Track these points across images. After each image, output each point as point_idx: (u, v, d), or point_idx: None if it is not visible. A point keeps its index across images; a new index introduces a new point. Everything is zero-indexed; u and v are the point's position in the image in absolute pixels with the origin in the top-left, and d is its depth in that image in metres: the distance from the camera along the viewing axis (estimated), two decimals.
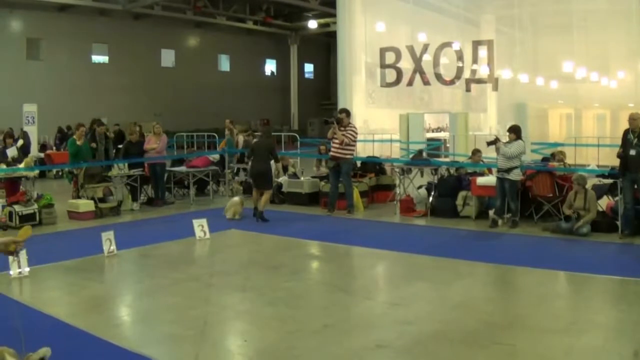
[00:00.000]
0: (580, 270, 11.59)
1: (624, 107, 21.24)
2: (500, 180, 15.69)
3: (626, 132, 14.41)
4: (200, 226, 14.40)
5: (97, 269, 12.01)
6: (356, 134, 17.85)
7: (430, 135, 26.33)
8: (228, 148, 22.61)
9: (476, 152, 18.79)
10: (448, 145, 25.77)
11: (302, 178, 20.26)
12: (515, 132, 15.88)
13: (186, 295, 10.04)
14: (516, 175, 15.66)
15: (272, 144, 17.25)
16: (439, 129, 27.18)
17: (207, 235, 14.33)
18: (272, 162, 17.49)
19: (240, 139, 22.76)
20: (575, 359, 7.40)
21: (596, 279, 11.17)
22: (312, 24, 52.88)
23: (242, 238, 15.08)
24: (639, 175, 14.11)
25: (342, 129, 17.24)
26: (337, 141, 17.22)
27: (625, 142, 14.31)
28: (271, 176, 17.52)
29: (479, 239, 14.72)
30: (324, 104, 58.97)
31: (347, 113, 17.89)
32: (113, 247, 12.77)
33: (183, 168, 20.67)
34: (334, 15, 32.92)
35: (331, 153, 17.53)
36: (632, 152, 14.13)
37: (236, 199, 17.78)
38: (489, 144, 16.07)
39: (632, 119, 14.47)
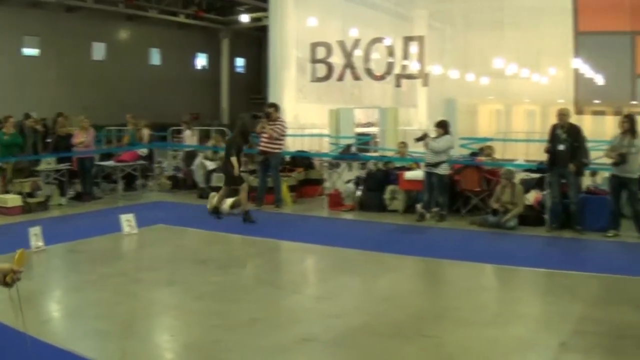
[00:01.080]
0: (507, 263, 11.70)
1: (554, 103, 21.49)
2: (428, 174, 15.78)
3: (554, 128, 14.59)
4: (127, 221, 14.24)
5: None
6: (285, 128, 17.81)
7: (360, 130, 26.41)
8: (132, 142, 22.16)
9: (401, 143, 18.95)
10: (378, 140, 25.88)
11: None
12: (443, 127, 16.00)
13: (113, 290, 9.87)
14: (444, 170, 15.78)
15: (234, 139, 16.56)
16: (369, 124, 27.28)
17: (135, 230, 14.16)
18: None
19: (145, 132, 22.32)
20: (501, 350, 7.44)
21: (523, 271, 11.31)
22: (244, 18, 52.60)
23: (170, 233, 14.91)
24: (567, 169, 14.31)
25: (271, 123, 17.20)
26: (265, 135, 17.17)
27: (554, 137, 14.49)
28: (233, 172, 16.20)
29: (406, 233, 14.76)
30: (254, 99, 58.65)
31: (276, 107, 17.84)
32: (41, 242, 12.52)
33: (111, 162, 20.36)
34: (266, 10, 32.81)
35: (260, 147, 17.45)
36: (561, 147, 14.32)
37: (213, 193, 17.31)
38: (418, 140, 16.16)
39: (561, 114, 14.67)
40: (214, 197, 16.71)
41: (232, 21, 56.58)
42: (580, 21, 24.90)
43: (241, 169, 16.43)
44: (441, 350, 7.39)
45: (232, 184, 16.20)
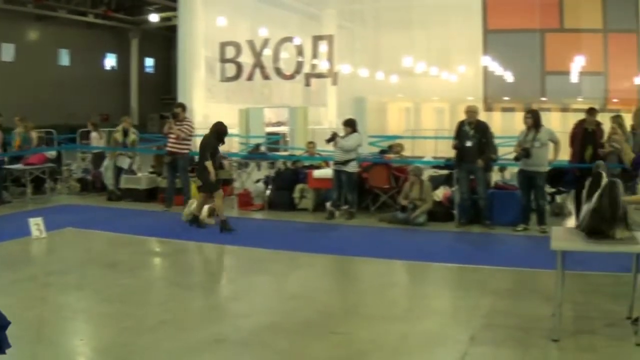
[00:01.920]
0: (417, 258, 11.82)
1: (463, 100, 21.71)
2: (337, 172, 15.84)
3: (461, 124, 14.78)
4: (36, 225, 13.94)
5: None
6: (192, 128, 17.64)
7: (270, 129, 26.40)
8: (23, 145, 21.59)
9: (310, 143, 19.04)
10: (288, 139, 25.92)
11: (139, 174, 19.91)
12: (351, 125, 16.06)
13: (22, 295, 9.62)
14: (353, 168, 15.83)
15: (208, 140, 15.42)
16: (279, 123, 27.27)
17: (44, 234, 13.83)
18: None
19: (34, 135, 21.78)
20: (411, 345, 7.50)
21: (433, 266, 11.43)
22: (154, 18, 52.14)
23: (79, 236, 14.63)
24: (475, 165, 14.50)
25: (178, 123, 17.04)
26: (173, 136, 17.02)
27: (461, 134, 14.67)
28: (208, 177, 14.97)
29: (316, 231, 14.85)
30: (164, 99, 58.14)
31: (183, 107, 17.65)
32: None
33: (20, 166, 19.96)
34: (175, 9, 32.57)
35: (167, 148, 17.27)
36: (469, 144, 14.52)
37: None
38: (328, 141, 16.18)
39: (469, 111, 14.86)
40: (191, 205, 15.58)
41: (142, 21, 56.10)
42: (489, 19, 25.28)
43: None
44: (352, 346, 7.41)
45: (207, 190, 15.11)
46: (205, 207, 15.34)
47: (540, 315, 8.34)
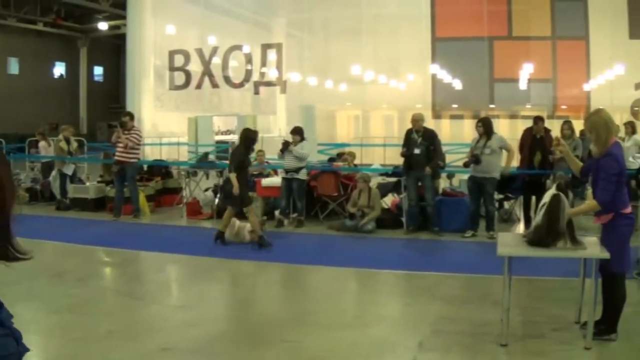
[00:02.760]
0: (366, 266, 11.87)
1: (411, 108, 21.87)
2: (289, 180, 15.88)
3: (409, 132, 14.84)
4: None
5: None
6: (140, 137, 17.50)
7: (219, 137, 26.38)
8: None
9: (260, 152, 19.05)
10: None
11: (87, 183, 19.71)
12: (300, 133, 16.08)
13: None
14: (303, 175, 15.94)
15: (236, 151, 14.33)
16: (228, 132, 27.28)
17: None
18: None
19: None
20: (361, 352, 7.52)
21: (382, 274, 11.49)
22: (103, 26, 51.85)
23: (27, 246, 14.37)
24: (423, 173, 14.57)
25: (126, 132, 16.92)
26: (121, 145, 16.91)
27: (409, 142, 14.74)
28: (242, 192, 13.70)
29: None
30: (113, 108, 57.81)
31: (131, 116, 17.51)
32: None
33: None
34: (124, 18, 32.49)
35: (116, 157, 17.14)
36: (417, 151, 14.59)
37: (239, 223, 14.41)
38: (282, 151, 16.14)
39: (415, 119, 14.95)
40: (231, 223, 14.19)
41: (91, 29, 55.77)
42: (438, 27, 25.49)
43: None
44: (301, 354, 7.42)
45: (237, 205, 13.92)
46: (247, 225, 14.01)
47: (488, 320, 8.39)
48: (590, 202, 7.69)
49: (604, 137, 7.53)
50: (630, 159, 15.09)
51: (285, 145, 15.95)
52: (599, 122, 7.62)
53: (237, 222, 14.03)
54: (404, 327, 8.58)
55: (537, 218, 7.60)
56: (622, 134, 17.12)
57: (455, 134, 23.98)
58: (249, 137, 14.05)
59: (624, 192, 7.61)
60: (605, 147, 7.50)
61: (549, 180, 9.37)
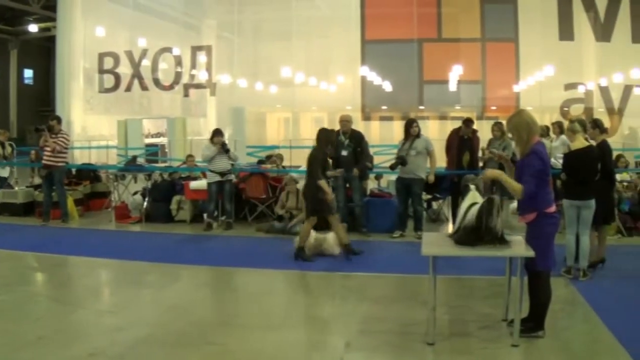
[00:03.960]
0: (294, 267, 11.97)
1: (341, 110, 21.94)
2: (220, 183, 15.84)
3: (336, 134, 14.90)
4: None
5: None
6: (68, 141, 17.35)
7: (149, 140, 26.24)
8: None
9: (189, 157, 19.03)
10: (167, 150, 25.84)
11: (16, 188, 19.45)
12: (222, 135, 16.21)
13: None
14: (232, 177, 16.02)
15: (314, 154, 13.10)
16: (158, 134, 27.15)
17: None
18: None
19: None
20: (287, 353, 7.57)
21: (310, 275, 11.58)
22: (33, 28, 51.15)
23: None
24: (351, 174, 14.71)
25: (54, 136, 16.76)
26: (49, 149, 16.75)
27: (337, 144, 14.75)
28: (315, 199, 12.75)
29: (194, 242, 14.79)
30: (43, 111, 57.02)
31: (58, 120, 17.32)
32: None
33: None
34: (55, 20, 32.05)
35: (43, 161, 16.97)
36: (344, 153, 14.76)
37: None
38: (226, 151, 16.07)
39: (343, 120, 15.09)
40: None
41: (21, 31, 54.97)
42: (368, 30, 25.55)
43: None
44: (228, 357, 7.46)
45: (319, 213, 12.87)
46: (329, 235, 13.06)
47: (416, 319, 8.50)
48: (517, 184, 7.81)
49: (525, 137, 7.69)
50: (553, 159, 15.34)
51: (224, 147, 15.96)
52: (520, 122, 7.77)
53: (313, 234, 13.03)
54: (332, 328, 8.67)
55: (468, 219, 7.72)
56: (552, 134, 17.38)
57: (385, 136, 24.13)
58: (329, 139, 13.33)
59: (548, 191, 7.75)
60: (528, 147, 7.66)
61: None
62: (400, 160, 14.34)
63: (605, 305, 9.29)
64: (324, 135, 13.14)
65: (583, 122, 11.57)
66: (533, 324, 7.91)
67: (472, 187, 8.20)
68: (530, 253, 7.49)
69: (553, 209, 7.74)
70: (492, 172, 8.21)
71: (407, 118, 15.99)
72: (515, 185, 7.75)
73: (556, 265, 8.27)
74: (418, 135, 14.65)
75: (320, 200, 12.63)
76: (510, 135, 8.75)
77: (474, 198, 8.03)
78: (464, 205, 8.06)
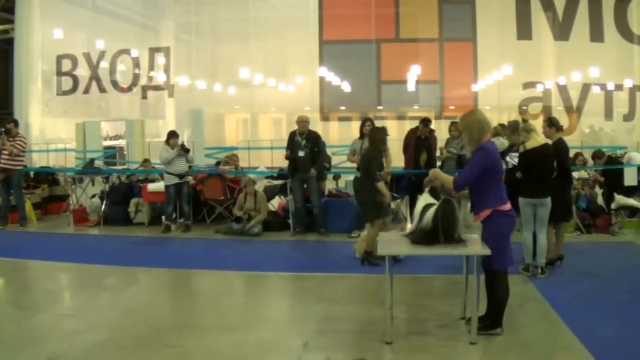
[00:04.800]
0: (253, 269, 12.00)
1: (300, 110, 21.96)
2: (179, 185, 15.85)
3: (293, 134, 15.03)
4: None
5: None
6: (25, 144, 17.25)
7: (108, 143, 26.13)
8: None
9: (146, 160, 19.02)
10: (125, 152, 25.76)
11: None
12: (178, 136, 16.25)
13: None
14: (191, 179, 16.08)
15: (370, 156, 12.49)
16: (116, 137, 27.05)
17: None
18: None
19: None
20: (245, 354, 7.58)
21: (268, 276, 11.63)
22: None
23: None
24: (308, 174, 14.78)
25: (11, 139, 16.68)
26: (6, 152, 16.66)
27: (293, 144, 14.93)
28: (374, 202, 12.20)
29: (152, 245, 14.78)
30: (2, 114, 56.58)
31: (16, 123, 17.21)
32: None
33: None
34: (13, 22, 31.80)
35: (1, 165, 16.81)
36: (301, 154, 14.80)
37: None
38: (187, 151, 16.07)
39: (300, 121, 15.11)
40: (362, 241, 12.44)
41: None
42: (325, 30, 25.60)
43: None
44: (186, 359, 7.46)
45: (377, 217, 12.21)
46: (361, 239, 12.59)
47: (374, 319, 8.55)
48: (449, 177, 7.94)
49: (476, 136, 7.77)
50: (508, 158, 15.49)
51: (184, 148, 15.99)
52: (472, 121, 7.86)
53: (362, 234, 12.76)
54: (289, 328, 8.71)
55: (424, 222, 7.78)
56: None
57: (344, 136, 24.19)
58: (383, 139, 12.54)
59: (501, 188, 7.82)
60: (478, 145, 7.76)
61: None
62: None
63: (564, 302, 9.41)
64: (378, 135, 12.57)
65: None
66: (491, 321, 7.98)
67: (426, 188, 8.30)
68: (486, 251, 7.55)
69: (507, 206, 7.84)
70: (432, 172, 8.31)
71: (366, 117, 16.05)
72: (446, 178, 7.89)
73: (514, 263, 8.35)
74: None
75: (380, 203, 12.12)
76: (462, 133, 8.78)
77: (426, 200, 8.13)
78: (418, 206, 8.14)
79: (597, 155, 16.16)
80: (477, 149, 7.73)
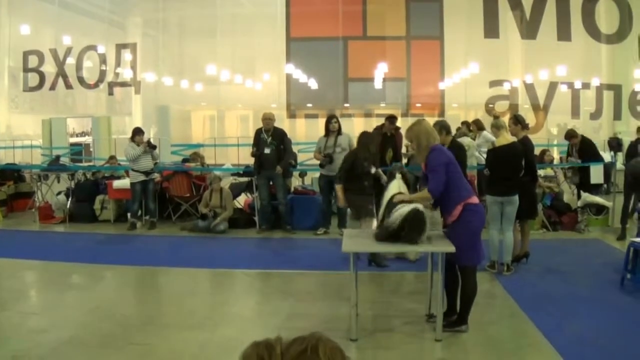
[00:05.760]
0: (219, 266, 12.04)
1: (267, 107, 21.84)
2: (144, 182, 15.78)
3: (259, 132, 15.05)
4: None
5: None
6: None
7: (74, 140, 26.01)
8: None
9: (112, 157, 19.00)
10: (92, 149, 25.67)
11: None
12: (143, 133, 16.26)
13: None
14: (157, 176, 16.06)
15: (346, 157, 12.79)
16: (83, 134, 26.94)
17: None
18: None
19: None
20: (210, 352, 7.62)
21: (234, 273, 11.64)
22: None
23: None
24: (274, 172, 14.81)
25: None
26: None
27: (259, 141, 14.95)
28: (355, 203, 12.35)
29: (118, 242, 14.70)
30: None
31: None
32: None
33: None
34: None
35: None
36: (267, 151, 14.80)
37: None
38: (153, 148, 16.06)
39: (265, 118, 15.12)
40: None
41: None
42: (293, 27, 25.58)
43: None
44: (151, 357, 7.47)
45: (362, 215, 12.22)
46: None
47: (339, 315, 8.58)
48: (423, 192, 7.96)
49: (424, 143, 7.85)
50: (477, 154, 15.62)
51: (151, 145, 15.96)
52: (420, 130, 7.93)
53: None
54: (255, 326, 8.75)
55: (392, 220, 7.78)
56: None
57: (310, 133, 24.19)
58: (360, 141, 12.57)
59: (465, 182, 7.94)
60: (427, 153, 7.85)
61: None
62: (329, 159, 14.47)
63: (529, 299, 9.51)
64: (360, 138, 12.66)
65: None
66: (457, 318, 8.06)
67: (398, 175, 8.33)
68: (451, 248, 7.57)
69: (476, 199, 7.93)
70: (398, 198, 7.98)
71: (332, 114, 16.12)
72: (422, 195, 7.94)
73: (484, 259, 8.43)
74: (340, 132, 14.82)
75: (360, 204, 12.15)
76: (409, 143, 8.77)
77: (398, 187, 8.15)
78: (387, 193, 8.12)
79: (571, 134, 16.23)
80: (429, 153, 7.80)
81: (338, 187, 12.29)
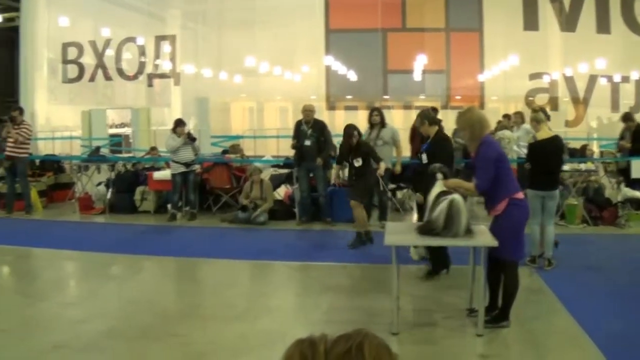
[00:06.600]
0: (259, 258, 11.96)
1: (306, 99, 21.83)
2: (184, 174, 15.77)
3: (299, 124, 14.99)
4: None
5: None
6: (30, 131, 17.21)
7: (113, 131, 26.12)
8: None
9: (153, 148, 19.00)
10: (131, 140, 25.76)
11: None
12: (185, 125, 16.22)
13: None
14: (197, 168, 16.06)
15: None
16: (122, 125, 27.05)
17: None
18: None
19: None
20: (250, 344, 7.55)
21: (274, 265, 11.58)
22: None
23: None
24: (314, 164, 14.73)
25: (16, 127, 16.66)
26: (11, 140, 16.64)
27: (299, 133, 14.89)
28: (367, 183, 12.88)
29: (158, 233, 14.74)
30: (7, 102, 56.50)
31: (21, 111, 17.20)
32: None
33: None
34: (18, 10, 31.71)
35: (6, 153, 16.81)
36: (307, 143, 14.74)
37: None
38: (193, 140, 16.03)
39: (306, 110, 15.06)
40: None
41: None
42: (332, 19, 25.55)
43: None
44: (190, 348, 7.41)
45: (351, 198, 12.74)
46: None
47: (380, 309, 8.48)
48: (470, 184, 7.84)
49: (477, 133, 7.72)
50: (516, 148, 15.44)
51: (191, 137, 15.93)
52: (472, 118, 7.79)
53: None
54: (295, 318, 8.69)
55: (435, 214, 7.68)
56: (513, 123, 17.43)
57: None
58: (345, 132, 13.12)
59: (512, 177, 7.79)
60: (479, 141, 7.70)
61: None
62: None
63: (571, 295, 9.35)
64: (345, 130, 13.20)
65: (545, 111, 11.69)
66: (498, 313, 7.94)
67: (440, 175, 8.21)
68: (494, 243, 7.46)
69: (521, 195, 7.81)
70: (452, 182, 8.12)
71: (374, 107, 16.01)
72: (468, 186, 7.82)
73: (524, 255, 8.31)
74: (384, 125, 14.67)
75: (360, 188, 12.75)
76: (461, 132, 8.64)
77: (441, 187, 8.05)
78: (432, 193, 8.06)
79: (629, 117, 16.07)
80: (480, 144, 7.67)
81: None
